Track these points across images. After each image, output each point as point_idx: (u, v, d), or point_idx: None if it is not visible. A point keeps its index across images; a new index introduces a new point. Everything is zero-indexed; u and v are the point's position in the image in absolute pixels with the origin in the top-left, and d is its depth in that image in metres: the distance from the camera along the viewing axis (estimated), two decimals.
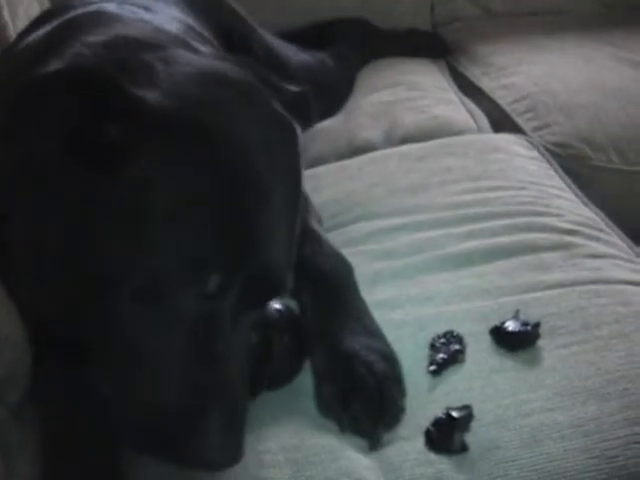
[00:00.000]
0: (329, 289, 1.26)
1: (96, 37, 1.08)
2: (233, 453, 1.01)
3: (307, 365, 1.20)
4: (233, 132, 1.00)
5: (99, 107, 0.94)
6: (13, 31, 1.67)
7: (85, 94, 0.93)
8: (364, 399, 1.11)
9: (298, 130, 1.10)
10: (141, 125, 0.95)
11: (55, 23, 1.24)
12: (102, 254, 0.97)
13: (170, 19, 1.55)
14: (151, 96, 0.97)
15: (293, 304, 1.25)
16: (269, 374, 1.16)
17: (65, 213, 0.99)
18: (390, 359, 1.17)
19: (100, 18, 1.21)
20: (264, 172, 1.01)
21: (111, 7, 1.38)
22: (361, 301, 1.28)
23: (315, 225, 1.41)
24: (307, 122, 1.13)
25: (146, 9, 1.50)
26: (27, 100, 0.97)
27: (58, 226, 0.99)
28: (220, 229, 0.97)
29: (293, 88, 1.20)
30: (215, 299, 0.99)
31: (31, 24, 1.46)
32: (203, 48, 1.19)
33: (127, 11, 1.40)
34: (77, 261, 0.99)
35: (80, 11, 1.29)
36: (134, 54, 1.04)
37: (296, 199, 1.08)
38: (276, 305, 1.19)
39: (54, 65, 0.99)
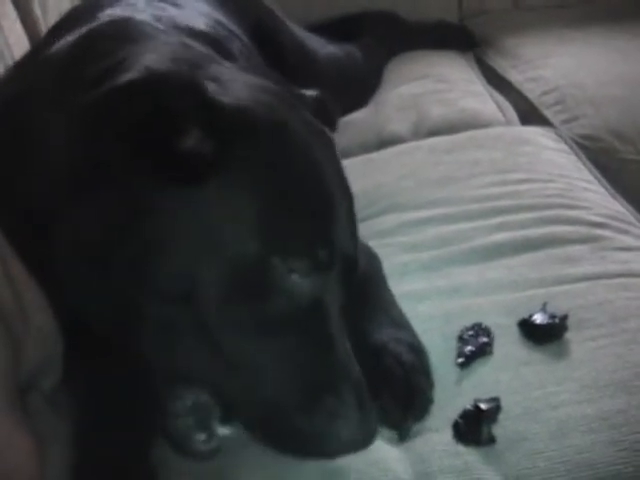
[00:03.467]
0: (358, 282, 1.27)
1: (149, 53, 1.09)
2: (371, 430, 1.03)
3: None
4: (298, 133, 1.06)
5: (181, 112, 0.96)
6: (44, 26, 1.68)
7: (167, 100, 0.95)
8: (393, 390, 1.11)
9: (330, 134, 1.15)
10: (226, 129, 0.98)
11: (82, 33, 1.24)
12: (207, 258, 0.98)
13: (198, 15, 1.56)
14: (228, 101, 1.00)
15: None
16: None
17: (144, 219, 0.99)
18: (418, 351, 1.18)
19: (126, 31, 1.21)
20: (326, 168, 1.07)
21: (141, 5, 1.40)
22: (389, 293, 1.29)
23: None
24: (330, 126, 1.15)
25: (174, 5, 1.51)
26: (106, 109, 0.97)
27: (136, 232, 0.99)
28: (312, 212, 1.03)
29: (310, 93, 1.23)
30: (327, 270, 1.03)
31: (56, 26, 1.47)
32: (227, 63, 1.20)
33: (155, 8, 1.41)
34: (159, 268, 0.99)
35: (104, 20, 1.29)
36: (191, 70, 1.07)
37: (350, 191, 1.12)
38: None
39: (125, 76, 0.99)
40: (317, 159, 1.06)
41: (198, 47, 1.22)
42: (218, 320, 0.99)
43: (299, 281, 1.00)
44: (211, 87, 1.01)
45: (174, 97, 0.95)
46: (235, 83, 1.08)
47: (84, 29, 1.24)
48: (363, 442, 1.02)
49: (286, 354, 1.01)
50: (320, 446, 1.01)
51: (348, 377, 1.02)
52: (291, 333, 1.01)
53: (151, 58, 1.07)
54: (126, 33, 1.19)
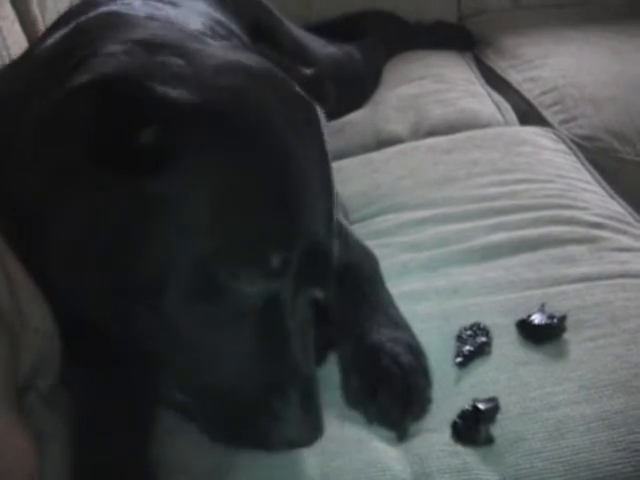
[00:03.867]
0: (355, 282, 1.27)
1: (114, 46, 1.08)
2: (316, 429, 1.03)
3: (333, 357, 1.21)
4: (264, 118, 1.01)
5: (131, 112, 0.95)
6: (43, 25, 1.68)
7: (117, 101, 0.95)
8: (391, 390, 1.11)
9: (319, 110, 1.11)
10: (176, 124, 0.96)
11: (70, 26, 1.24)
12: (162, 254, 0.98)
13: (195, 14, 1.56)
14: (180, 94, 0.98)
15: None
16: None
17: (108, 218, 0.99)
18: (416, 351, 1.18)
19: (112, 21, 1.21)
20: (297, 152, 1.02)
21: (137, 5, 1.39)
22: (387, 293, 1.29)
23: (340, 218, 1.41)
24: (325, 102, 1.13)
25: (172, 5, 1.51)
26: (61, 112, 0.99)
27: (102, 231, 1.00)
28: (269, 210, 0.99)
29: (307, 71, 1.21)
30: (278, 277, 1.00)
31: (53, 25, 1.47)
32: (215, 42, 1.20)
33: (151, 7, 1.41)
34: (127, 266, 0.99)
35: (93, 14, 1.29)
36: (153, 57, 1.04)
37: (328, 174, 1.09)
38: None
39: (81, 77, 0.99)
40: (288, 148, 1.01)
41: (190, 28, 1.21)
42: (178, 312, 0.99)
43: (247, 286, 0.99)
44: (168, 77, 0.99)
45: (122, 98, 0.95)
46: (207, 61, 1.05)
47: (72, 24, 1.25)
48: (304, 441, 1.03)
49: (238, 351, 1.01)
50: (263, 440, 1.02)
51: (296, 377, 1.01)
52: (244, 331, 1.01)
53: (105, 57, 1.05)
54: (110, 24, 1.18)
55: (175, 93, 0.98)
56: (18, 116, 1.09)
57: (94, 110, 0.94)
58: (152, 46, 1.06)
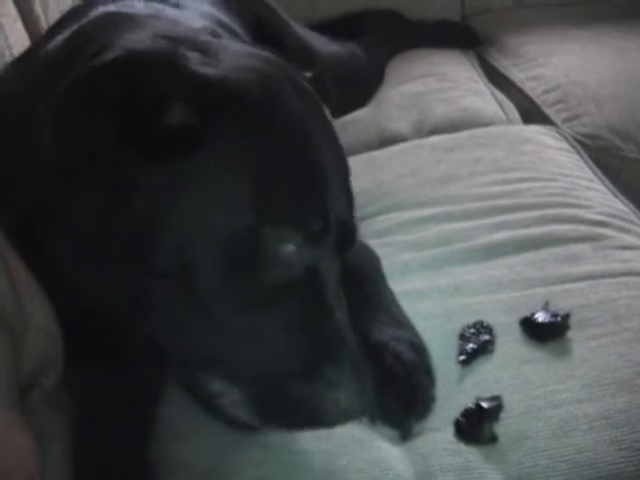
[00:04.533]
0: (357, 281, 1.27)
1: (132, 35, 1.08)
2: (368, 399, 1.01)
3: None
4: (290, 98, 1.03)
5: (162, 88, 0.95)
6: (45, 23, 1.68)
7: (146, 77, 0.94)
8: (394, 389, 1.11)
9: (325, 107, 1.13)
10: (210, 101, 0.97)
11: (75, 27, 1.24)
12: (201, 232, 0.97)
13: (198, 15, 1.56)
14: (209, 72, 0.99)
15: None
16: None
17: (137, 200, 0.98)
18: (419, 349, 1.18)
19: (118, 21, 1.20)
20: (316, 131, 1.04)
21: (138, 6, 1.39)
22: (389, 292, 1.29)
23: None
24: (326, 103, 1.15)
25: (174, 6, 1.51)
26: (84, 90, 0.96)
27: (131, 213, 0.98)
28: (305, 179, 1.01)
29: (308, 74, 1.21)
30: (319, 242, 1.01)
31: (56, 24, 1.47)
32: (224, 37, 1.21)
33: (152, 9, 1.41)
34: (155, 247, 0.98)
35: (96, 14, 1.29)
36: (174, 43, 1.04)
37: (342, 153, 1.11)
38: None
39: (105, 56, 0.98)
40: (309, 128, 1.04)
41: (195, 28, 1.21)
42: (214, 292, 0.98)
43: (292, 252, 0.99)
44: (195, 59, 1.00)
45: (154, 73, 0.95)
46: (226, 52, 1.05)
47: (75, 25, 1.24)
48: (360, 410, 1.02)
49: (282, 324, 1.00)
50: (319, 415, 0.99)
51: (345, 345, 1.01)
52: (287, 303, 1.00)
53: (131, 38, 1.05)
54: (115, 23, 1.18)
55: (204, 70, 0.98)
56: (27, 114, 1.09)
57: (124, 85, 0.94)
58: (168, 38, 1.06)
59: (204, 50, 1.03)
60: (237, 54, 1.07)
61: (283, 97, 1.03)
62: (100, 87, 0.95)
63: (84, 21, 1.26)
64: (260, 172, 0.98)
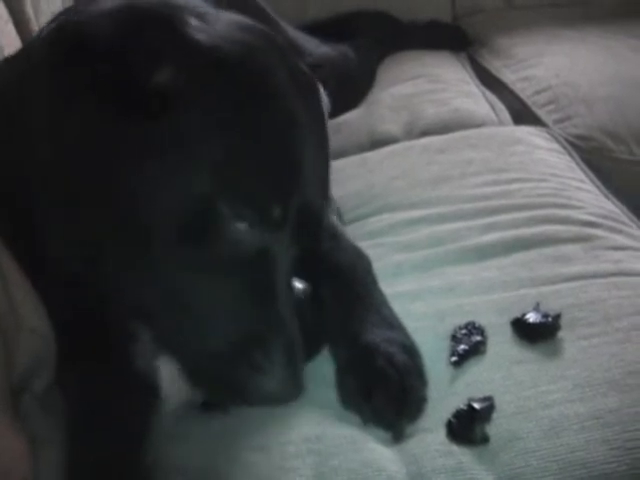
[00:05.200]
0: (348, 284, 1.27)
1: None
2: (296, 388, 1.05)
3: (327, 357, 1.21)
4: (276, 75, 1.04)
5: (155, 46, 0.96)
6: (36, 25, 1.68)
7: (143, 33, 0.96)
8: (385, 391, 1.11)
9: (319, 86, 1.15)
10: (192, 66, 0.97)
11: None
12: (167, 197, 0.99)
13: None
14: (200, 38, 0.99)
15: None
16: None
17: (115, 159, 0.99)
18: (410, 350, 1.18)
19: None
20: (301, 115, 1.05)
21: None
22: (380, 294, 1.28)
23: (333, 218, 1.42)
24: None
25: None
26: (76, 36, 0.98)
27: (108, 173, 1.00)
28: (274, 162, 1.01)
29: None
30: (276, 228, 1.02)
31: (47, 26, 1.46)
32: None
33: None
34: (133, 210, 1.00)
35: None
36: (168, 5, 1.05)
37: (326, 143, 1.12)
38: (297, 285, 1.21)
39: (106, 4, 1.00)
40: (293, 108, 1.04)
41: None
42: (165, 255, 1.00)
43: (244, 231, 1.00)
44: (192, 23, 1.00)
45: (151, 31, 0.96)
46: (223, 23, 1.06)
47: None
48: (285, 399, 1.05)
49: (225, 300, 1.02)
50: (244, 395, 1.03)
51: (282, 333, 1.03)
52: (233, 280, 1.02)
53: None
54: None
55: (199, 37, 0.99)
56: (21, 93, 1.09)
57: (120, 35, 0.95)
58: (169, 3, 1.07)
59: (202, 17, 1.04)
60: (234, 25, 1.07)
61: (270, 74, 1.03)
62: (95, 35, 0.96)
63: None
64: (229, 144, 0.99)
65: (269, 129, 1.01)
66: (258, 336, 1.02)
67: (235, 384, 1.03)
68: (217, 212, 0.98)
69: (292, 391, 1.05)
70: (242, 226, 1.00)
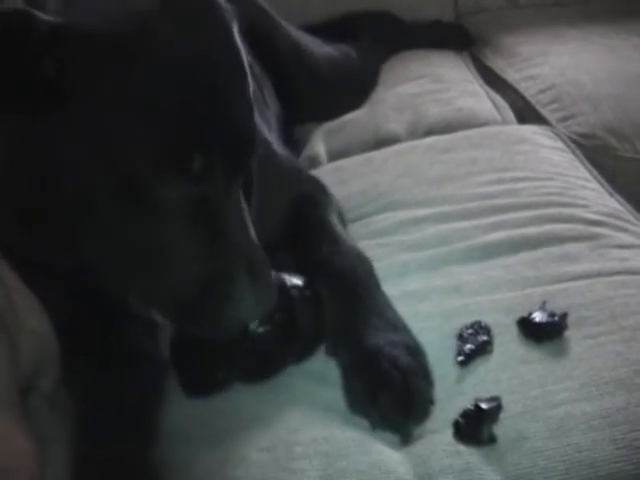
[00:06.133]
0: (349, 288, 1.26)
1: None
2: (267, 299, 1.09)
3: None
4: (164, 34, 1.01)
5: (25, 45, 0.95)
6: None
7: (5, 35, 0.95)
8: (391, 394, 1.11)
9: (229, 11, 1.11)
10: (74, 48, 0.97)
11: None
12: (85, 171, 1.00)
13: None
14: (71, 20, 0.98)
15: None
16: (295, 347, 1.20)
17: (29, 146, 1.01)
18: (415, 352, 1.17)
19: None
20: (200, 50, 1.03)
21: None
22: (382, 296, 1.28)
23: (333, 219, 1.42)
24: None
25: None
26: None
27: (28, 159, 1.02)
28: (183, 117, 1.00)
29: None
30: (201, 181, 1.03)
31: None
32: None
33: None
34: (60, 186, 1.02)
35: None
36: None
37: (238, 60, 1.09)
38: (295, 281, 1.22)
39: None
40: (189, 55, 1.01)
41: None
42: (114, 225, 1.03)
43: (171, 191, 1.02)
44: (52, 7, 0.99)
45: (13, 28, 0.94)
46: None
47: None
48: (257, 313, 1.10)
49: (182, 250, 1.05)
50: (220, 324, 1.08)
51: (240, 260, 1.06)
52: (182, 228, 1.04)
53: None
54: None
55: (67, 19, 0.97)
56: None
57: None
58: None
59: None
60: None
61: (154, 29, 1.00)
62: None
63: None
64: (128, 117, 0.99)
65: (171, 86, 1.00)
66: (221, 273, 1.06)
67: (212, 317, 1.07)
68: (140, 180, 1.00)
69: (263, 305, 1.09)
70: (165, 187, 1.01)
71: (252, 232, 1.09)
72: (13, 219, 1.07)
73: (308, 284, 1.23)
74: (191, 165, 1.01)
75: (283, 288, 1.19)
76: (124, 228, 1.03)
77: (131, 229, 1.03)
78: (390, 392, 1.11)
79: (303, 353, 1.21)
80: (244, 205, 1.10)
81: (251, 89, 1.11)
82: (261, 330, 1.16)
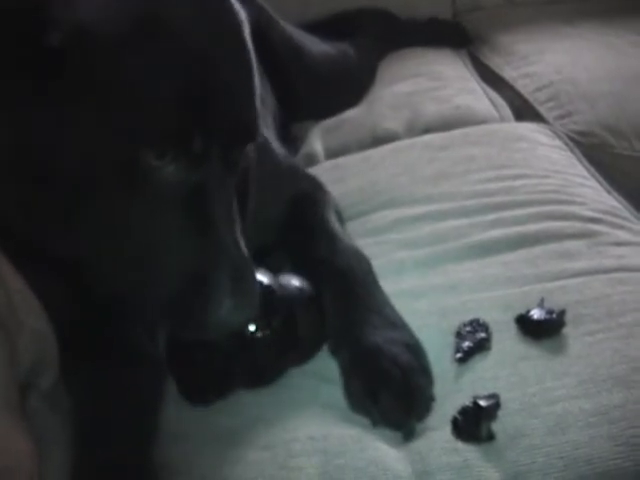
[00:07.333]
0: (348, 286, 1.26)
1: None
2: (248, 310, 1.06)
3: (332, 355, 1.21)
4: (175, 21, 1.01)
5: (35, 15, 0.95)
6: None
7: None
8: (392, 392, 1.11)
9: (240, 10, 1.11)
10: (82, 24, 0.96)
11: None
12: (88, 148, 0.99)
13: None
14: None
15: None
16: (296, 353, 1.19)
17: (30, 126, 0.99)
18: (414, 349, 1.17)
19: None
20: (206, 37, 1.03)
21: None
22: (381, 294, 1.28)
23: (331, 217, 1.42)
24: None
25: None
26: None
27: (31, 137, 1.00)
28: (186, 97, 0.99)
29: None
30: (201, 163, 1.02)
31: None
32: None
33: None
34: (56, 166, 1.00)
35: None
36: None
37: (244, 50, 1.09)
38: (296, 283, 1.22)
39: None
40: (194, 41, 1.01)
41: None
42: (110, 204, 1.01)
43: (171, 170, 1.00)
44: None
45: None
46: None
47: None
48: (237, 323, 1.06)
49: (166, 240, 1.03)
50: (200, 326, 1.04)
51: (225, 261, 1.03)
52: (170, 219, 1.02)
53: None
54: None
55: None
56: None
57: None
58: None
59: None
60: None
61: (166, 17, 1.00)
62: None
63: None
64: (136, 91, 0.97)
65: (176, 65, 0.99)
66: (202, 269, 1.03)
67: (191, 316, 1.04)
68: (139, 157, 0.98)
69: (244, 315, 1.06)
70: (165, 166, 1.00)
71: (239, 235, 1.07)
72: (13, 202, 1.06)
73: (308, 286, 1.23)
74: (191, 145, 1.00)
75: (283, 293, 1.19)
76: (118, 211, 1.01)
77: (125, 213, 1.01)
78: (391, 389, 1.11)
79: (304, 358, 1.20)
80: (235, 207, 1.09)
81: (257, 80, 1.10)
82: (260, 335, 1.15)
